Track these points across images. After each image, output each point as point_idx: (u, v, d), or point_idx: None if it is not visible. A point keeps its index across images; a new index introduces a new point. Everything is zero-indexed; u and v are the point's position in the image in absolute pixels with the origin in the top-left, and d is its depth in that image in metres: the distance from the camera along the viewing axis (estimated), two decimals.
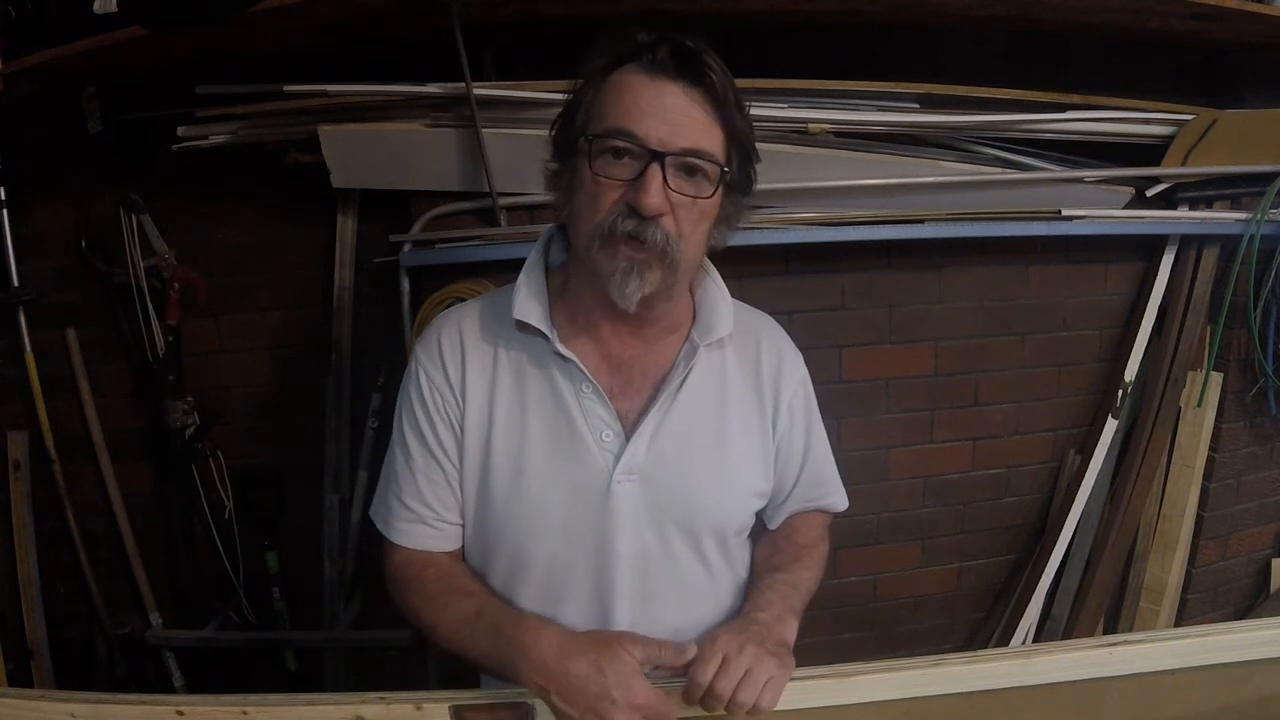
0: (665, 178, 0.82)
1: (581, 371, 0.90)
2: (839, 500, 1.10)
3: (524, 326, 0.92)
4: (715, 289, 0.98)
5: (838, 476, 1.10)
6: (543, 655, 0.81)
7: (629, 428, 0.92)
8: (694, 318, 0.97)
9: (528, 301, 0.92)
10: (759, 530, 1.07)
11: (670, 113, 0.82)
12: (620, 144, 0.82)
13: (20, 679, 1.97)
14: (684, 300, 0.97)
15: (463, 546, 0.99)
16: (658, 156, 0.81)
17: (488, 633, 0.86)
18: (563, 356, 0.90)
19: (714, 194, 0.86)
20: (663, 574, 0.94)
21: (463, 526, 0.97)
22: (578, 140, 0.86)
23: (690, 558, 0.96)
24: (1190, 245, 2.05)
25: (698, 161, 0.83)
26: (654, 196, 0.81)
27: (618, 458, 0.90)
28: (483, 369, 0.93)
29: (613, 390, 0.92)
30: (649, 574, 0.93)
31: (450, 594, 0.91)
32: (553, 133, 0.92)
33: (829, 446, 1.08)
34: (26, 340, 1.96)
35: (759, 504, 1.02)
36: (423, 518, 0.95)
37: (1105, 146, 1.91)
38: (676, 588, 0.95)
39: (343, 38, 1.69)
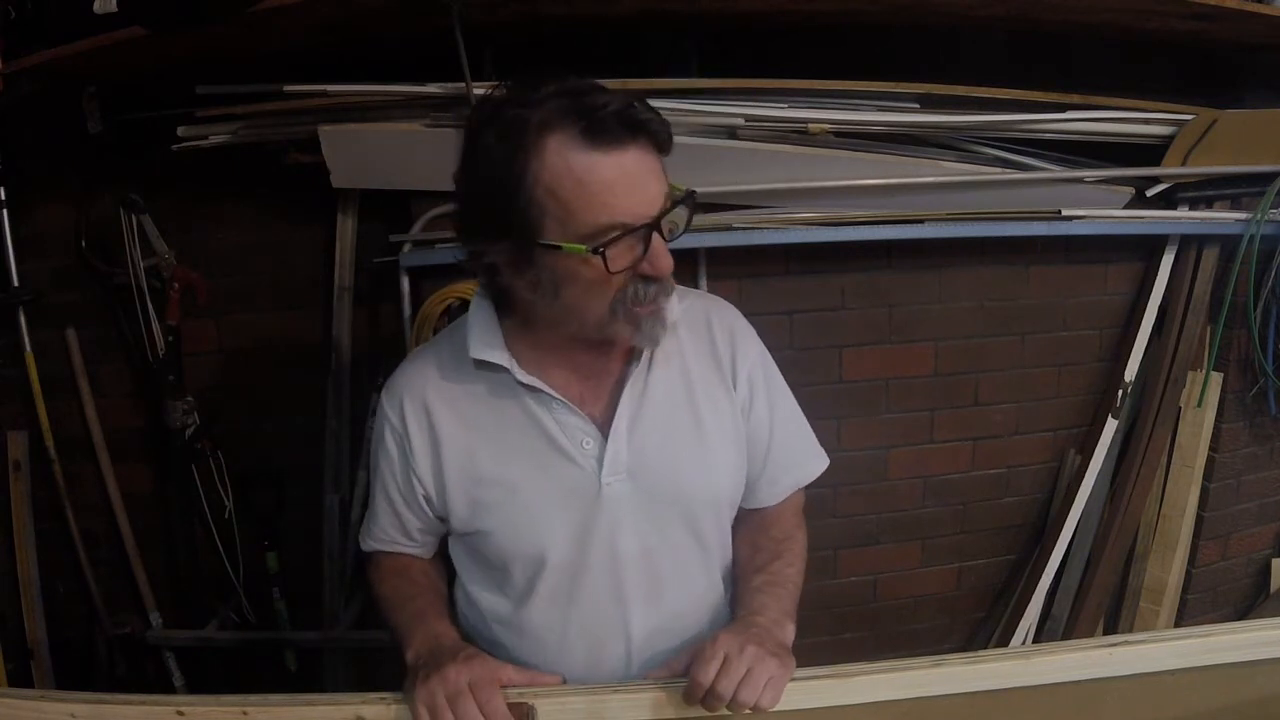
0: (662, 234, 0.83)
1: (548, 392, 0.92)
2: (816, 465, 1.09)
3: (483, 364, 0.93)
4: None
5: (813, 438, 1.09)
6: (426, 639, 0.89)
7: (605, 430, 0.93)
8: None
9: (482, 340, 0.93)
10: (734, 525, 1.08)
11: (638, 180, 0.80)
12: (619, 236, 0.80)
13: (20, 679, 1.97)
14: None
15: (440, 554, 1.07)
16: (654, 226, 0.81)
17: (408, 616, 0.95)
18: (527, 385, 0.92)
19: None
20: (667, 563, 0.96)
21: (423, 546, 1.06)
22: (544, 240, 0.81)
23: (690, 542, 0.98)
24: (1190, 245, 2.05)
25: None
26: (667, 258, 0.83)
27: (601, 461, 0.92)
28: (453, 414, 0.95)
29: (583, 398, 0.94)
30: (655, 566, 0.95)
31: (397, 576, 1.02)
32: (468, 213, 0.87)
33: (798, 410, 1.08)
34: (26, 340, 1.96)
35: (743, 472, 1.03)
36: (382, 540, 1.04)
37: (1105, 146, 1.91)
38: (680, 573, 0.98)
39: (343, 38, 1.68)
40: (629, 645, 0.96)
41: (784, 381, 1.07)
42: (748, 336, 1.05)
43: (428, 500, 0.97)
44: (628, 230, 0.80)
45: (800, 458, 1.08)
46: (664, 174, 0.83)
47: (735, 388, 1.01)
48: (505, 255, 0.85)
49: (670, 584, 0.97)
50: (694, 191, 0.85)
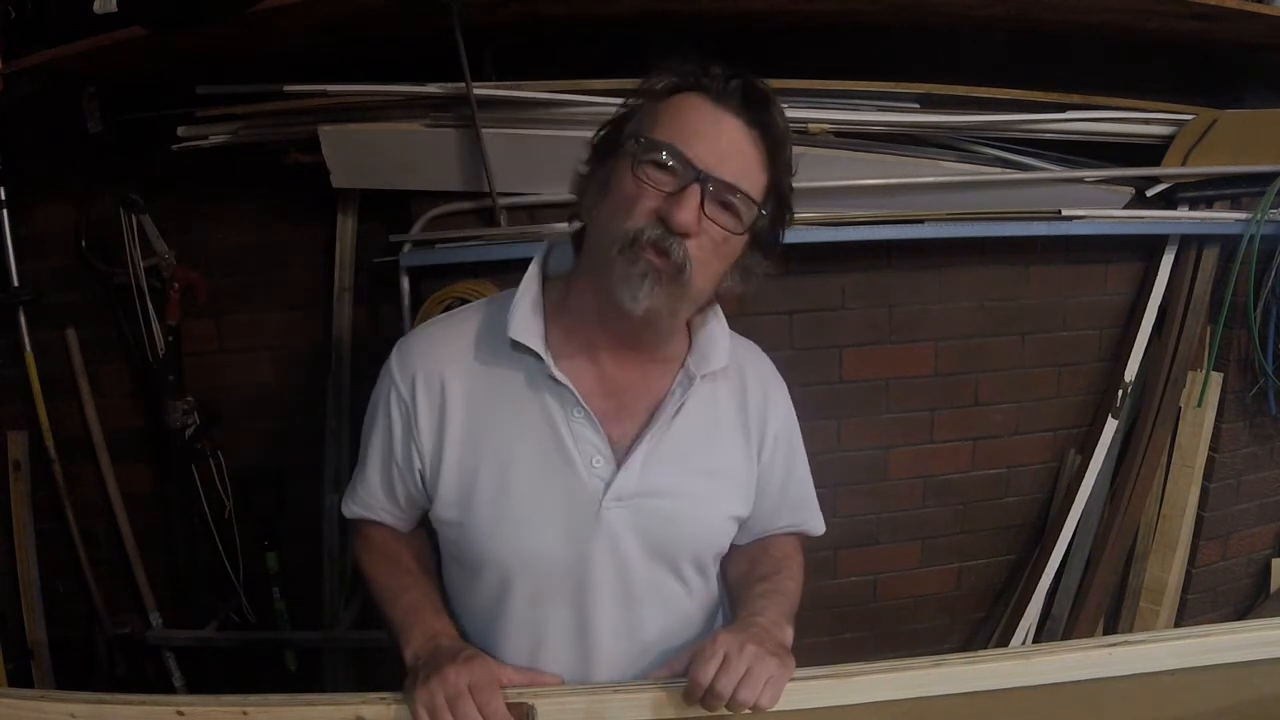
0: (703, 201, 0.82)
1: (574, 396, 0.89)
2: (815, 525, 1.11)
3: (518, 346, 0.91)
4: (715, 322, 0.98)
5: (816, 503, 1.10)
6: (425, 638, 0.88)
7: (620, 454, 0.91)
8: (689, 348, 0.97)
9: (524, 321, 0.91)
10: (734, 551, 1.07)
11: (723, 142, 0.83)
12: (665, 158, 0.82)
13: (20, 679, 1.97)
14: (681, 334, 0.97)
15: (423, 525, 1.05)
16: (700, 178, 0.82)
17: (403, 611, 0.93)
18: (556, 380, 0.89)
19: (744, 233, 0.86)
20: (646, 594, 0.95)
21: (409, 519, 1.03)
22: (624, 142, 0.86)
23: (671, 581, 0.97)
24: (1190, 245, 2.05)
25: (736, 198, 0.84)
26: (687, 213, 0.81)
27: (608, 484, 0.90)
28: (466, 395, 0.92)
29: (605, 415, 0.91)
30: (632, 594, 0.94)
31: (389, 561, 1.01)
32: (597, 137, 0.93)
33: (809, 473, 1.09)
34: (26, 340, 1.96)
35: (736, 527, 1.02)
36: (370, 506, 1.02)
37: (1105, 146, 1.91)
38: (656, 606, 0.96)
39: (343, 38, 1.69)
40: (594, 664, 0.94)
41: (802, 443, 1.07)
42: (780, 393, 1.04)
43: (423, 475, 0.95)
44: (676, 157, 0.82)
45: (802, 518, 1.09)
46: (756, 176, 0.86)
47: (761, 447, 1.00)
48: (596, 173, 0.90)
49: (645, 610, 0.95)
50: (762, 212, 0.87)
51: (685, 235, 0.82)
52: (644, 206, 0.83)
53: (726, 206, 0.84)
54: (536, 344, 0.90)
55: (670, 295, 0.85)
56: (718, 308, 0.98)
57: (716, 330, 0.97)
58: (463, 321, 0.97)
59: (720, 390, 0.98)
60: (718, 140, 0.83)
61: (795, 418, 1.06)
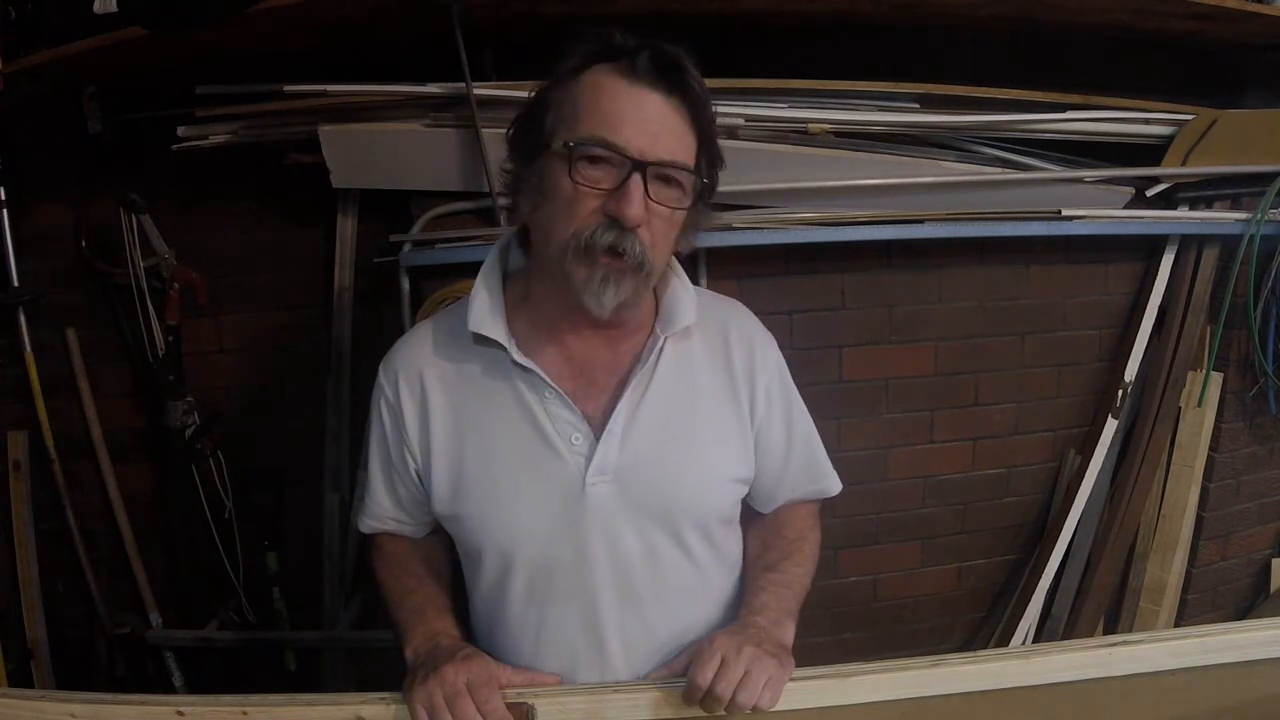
0: (646, 188, 0.81)
1: (542, 379, 0.90)
2: (831, 484, 1.09)
3: (481, 339, 0.92)
4: (678, 281, 0.98)
5: (827, 459, 1.09)
6: (425, 638, 0.90)
7: (597, 429, 0.91)
8: (656, 312, 0.97)
9: (483, 314, 0.92)
10: (747, 522, 1.07)
11: (650, 122, 0.82)
12: (600, 152, 0.81)
13: (20, 679, 1.97)
14: (648, 301, 0.97)
15: (437, 534, 1.06)
16: (639, 166, 0.81)
17: (408, 612, 0.95)
18: (522, 366, 0.90)
19: (690, 204, 0.87)
20: (647, 575, 0.94)
21: (419, 523, 1.05)
22: (550, 144, 0.84)
23: (676, 555, 0.95)
24: (1190, 245, 2.05)
25: (675, 173, 0.84)
26: (636, 207, 0.81)
27: (589, 459, 0.90)
28: (445, 391, 0.94)
29: (576, 393, 0.92)
30: (632, 575, 0.93)
31: (399, 565, 1.02)
32: (513, 133, 0.91)
33: (813, 428, 1.07)
34: (26, 340, 1.96)
35: (741, 490, 1.01)
36: (379, 517, 1.04)
37: (1105, 146, 1.91)
38: (662, 589, 0.95)
39: (343, 38, 1.69)
40: (603, 652, 0.94)
41: (800, 399, 1.06)
42: (767, 348, 1.03)
43: (419, 474, 0.97)
44: (610, 150, 0.81)
45: (815, 475, 1.08)
46: (688, 143, 0.85)
47: (753, 403, 0.99)
48: (526, 174, 0.88)
49: (650, 600, 0.94)
50: (709, 182, 0.87)
51: (637, 227, 0.82)
52: (587, 206, 0.82)
53: (668, 182, 0.84)
54: (498, 333, 0.91)
55: (635, 287, 0.86)
56: (677, 266, 0.98)
57: (680, 290, 0.96)
58: (433, 326, 0.99)
59: (697, 351, 0.97)
60: (645, 121, 0.82)
61: (787, 373, 1.05)
